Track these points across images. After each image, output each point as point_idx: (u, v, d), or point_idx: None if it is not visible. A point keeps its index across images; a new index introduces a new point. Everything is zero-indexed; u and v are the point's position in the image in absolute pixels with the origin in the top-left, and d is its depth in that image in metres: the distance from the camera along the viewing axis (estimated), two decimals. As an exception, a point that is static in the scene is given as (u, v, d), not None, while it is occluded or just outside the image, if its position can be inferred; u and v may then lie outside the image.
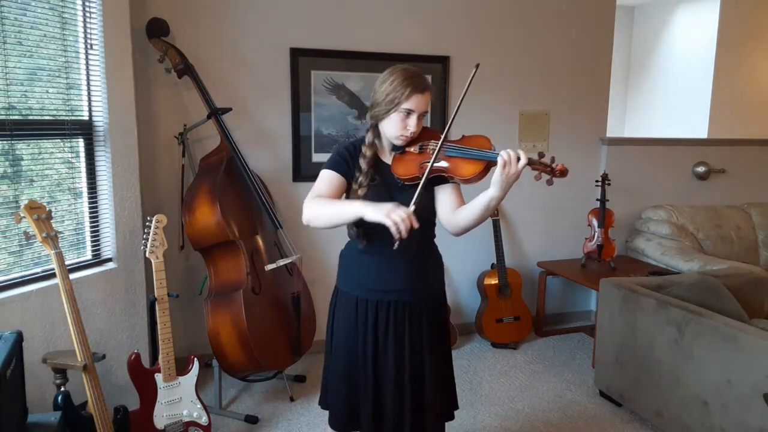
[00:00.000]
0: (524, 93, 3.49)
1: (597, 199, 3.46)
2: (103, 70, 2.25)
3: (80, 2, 2.18)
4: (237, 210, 2.52)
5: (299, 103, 3.04)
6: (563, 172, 1.43)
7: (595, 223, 3.43)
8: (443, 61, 3.27)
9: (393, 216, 1.35)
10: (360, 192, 1.58)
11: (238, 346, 2.42)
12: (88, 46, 2.23)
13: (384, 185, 1.60)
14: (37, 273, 2.08)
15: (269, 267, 2.53)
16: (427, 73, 3.27)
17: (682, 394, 2.24)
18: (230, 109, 2.72)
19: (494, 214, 3.42)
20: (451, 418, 1.77)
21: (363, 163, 1.60)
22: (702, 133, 4.29)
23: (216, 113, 2.63)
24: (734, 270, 2.92)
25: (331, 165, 1.62)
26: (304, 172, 3.09)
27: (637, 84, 4.89)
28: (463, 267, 3.51)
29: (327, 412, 1.76)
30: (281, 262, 2.57)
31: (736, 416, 2.02)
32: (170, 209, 2.76)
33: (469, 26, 3.31)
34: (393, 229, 1.36)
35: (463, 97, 1.51)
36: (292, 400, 2.69)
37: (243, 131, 2.88)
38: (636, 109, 4.92)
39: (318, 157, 3.11)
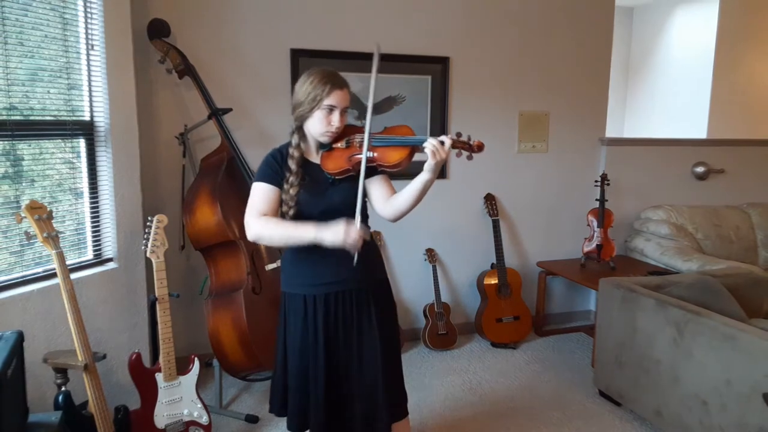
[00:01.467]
0: (523, 93, 3.49)
1: (596, 199, 3.46)
2: (104, 71, 2.25)
3: (81, 3, 2.19)
4: (238, 210, 2.52)
5: (299, 104, 3.04)
6: (480, 147, 1.56)
7: (594, 223, 3.43)
8: (443, 62, 3.28)
9: (349, 238, 1.49)
10: (292, 191, 1.64)
11: (238, 345, 2.43)
12: (90, 47, 2.23)
13: (315, 184, 1.66)
14: (38, 273, 2.08)
15: (270, 267, 2.53)
16: (427, 74, 3.28)
17: (681, 393, 2.24)
18: (231, 110, 2.72)
19: (494, 215, 3.42)
20: (403, 415, 1.81)
21: (292, 164, 1.66)
22: (701, 133, 4.30)
23: (216, 113, 2.63)
24: (733, 270, 2.93)
25: (261, 176, 1.68)
26: (304, 173, 3.09)
27: (636, 84, 4.90)
28: (463, 267, 3.51)
29: None
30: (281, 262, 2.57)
31: (735, 416, 2.02)
32: (171, 209, 2.76)
33: (469, 27, 3.32)
34: (352, 250, 1.50)
35: (374, 88, 1.59)
36: (292, 399, 2.69)
37: (243, 131, 2.89)
38: (635, 109, 4.93)
39: (318, 158, 3.11)
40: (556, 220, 3.68)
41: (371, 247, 1.78)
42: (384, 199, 1.68)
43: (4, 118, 1.96)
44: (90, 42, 2.23)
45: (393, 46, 3.17)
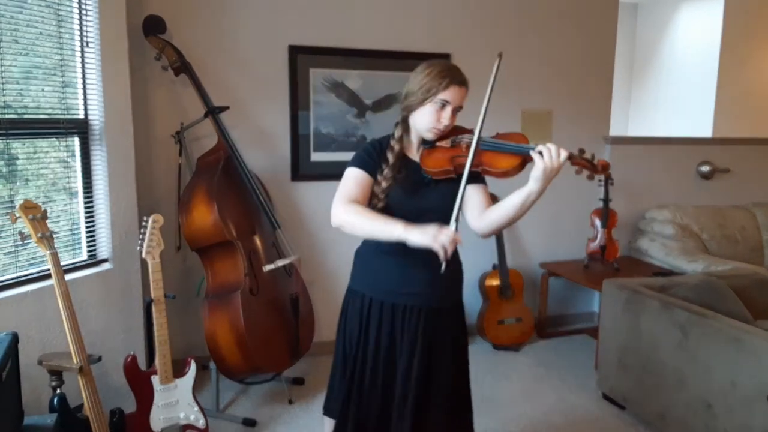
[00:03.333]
0: (526, 92, 3.46)
1: (600, 199, 3.43)
2: (99, 68, 2.23)
3: (76, 0, 2.16)
4: (235, 210, 2.50)
5: (298, 102, 3.01)
6: (605, 167, 1.42)
7: (598, 223, 3.40)
8: (444, 59, 3.24)
9: (441, 239, 1.31)
10: (384, 184, 1.52)
11: (235, 348, 2.40)
12: (84, 44, 2.21)
13: (410, 181, 1.55)
14: (33, 274, 2.06)
15: (267, 268, 2.50)
16: (428, 72, 3.24)
17: (686, 396, 2.21)
18: (228, 108, 2.69)
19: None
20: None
21: (390, 156, 1.55)
22: (706, 132, 4.26)
23: (213, 112, 2.60)
24: (739, 271, 2.90)
25: (358, 162, 1.55)
26: (302, 172, 3.06)
27: (640, 82, 4.85)
28: (464, 267, 3.46)
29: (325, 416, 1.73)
30: (279, 263, 2.54)
31: (741, 419, 1.99)
32: (167, 209, 2.74)
33: (470, 23, 3.28)
34: (441, 254, 1.32)
35: (491, 90, 1.49)
36: (290, 402, 2.66)
37: (241, 130, 2.86)
38: (639, 107, 4.89)
39: (317, 156, 3.08)
40: (559, 220, 3.65)
41: (456, 265, 1.67)
42: (479, 211, 1.55)
43: (-2, 116, 1.94)
44: (85, 39, 2.21)
45: (394, 43, 3.14)
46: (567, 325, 3.73)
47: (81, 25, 2.19)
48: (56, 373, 1.87)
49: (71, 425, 1.81)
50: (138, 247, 2.16)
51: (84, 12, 2.19)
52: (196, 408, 2.18)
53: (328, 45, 3.02)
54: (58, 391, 1.85)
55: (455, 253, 1.62)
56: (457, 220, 1.42)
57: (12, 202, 2.00)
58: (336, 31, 3.04)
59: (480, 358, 3.23)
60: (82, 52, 2.21)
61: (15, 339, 1.65)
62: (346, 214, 1.47)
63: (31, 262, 2.08)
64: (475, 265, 3.47)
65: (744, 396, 1.98)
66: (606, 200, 3.39)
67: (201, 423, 2.19)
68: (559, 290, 3.72)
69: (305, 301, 2.76)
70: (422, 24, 3.19)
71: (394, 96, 3.18)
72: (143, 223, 2.12)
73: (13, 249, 2.02)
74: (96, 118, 2.26)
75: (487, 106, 1.49)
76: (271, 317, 2.55)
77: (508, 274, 3.35)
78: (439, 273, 1.37)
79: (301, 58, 2.98)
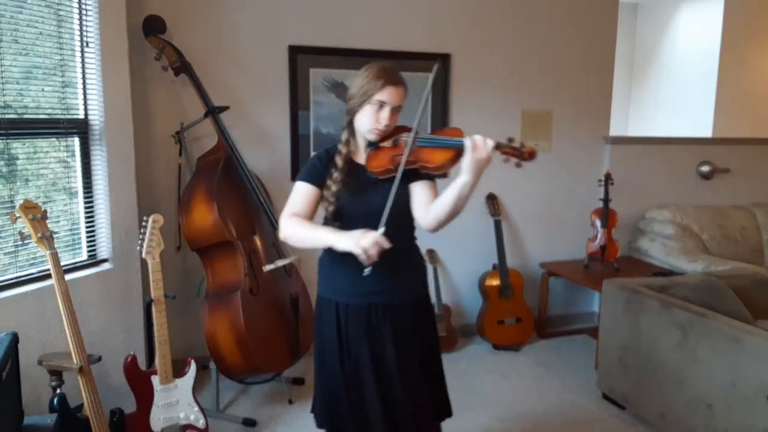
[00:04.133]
0: (526, 92, 3.46)
1: (600, 199, 3.43)
2: (99, 68, 2.23)
3: (76, 0, 2.16)
4: (235, 210, 2.50)
5: (298, 102, 3.01)
6: (531, 154, 1.44)
7: (598, 223, 3.39)
8: (444, 59, 3.24)
9: (362, 243, 1.38)
10: (333, 188, 1.58)
11: (235, 348, 2.40)
12: (84, 44, 2.21)
13: (358, 183, 1.60)
14: (33, 274, 2.07)
15: (267, 268, 2.50)
16: (428, 71, 3.22)
17: (686, 396, 2.21)
18: (228, 108, 2.69)
19: (496, 214, 3.39)
20: (442, 418, 1.75)
21: (338, 160, 1.61)
22: (706, 132, 4.25)
23: (213, 112, 2.60)
24: (739, 271, 2.90)
25: (303, 176, 1.63)
26: (303, 172, 3.07)
27: (640, 82, 4.85)
28: (464, 268, 3.48)
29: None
30: (279, 263, 2.54)
31: (741, 419, 1.99)
32: (167, 209, 2.74)
33: (470, 24, 3.28)
34: (363, 257, 1.39)
35: (428, 95, 1.54)
36: (290, 402, 2.66)
37: (241, 130, 2.86)
38: (639, 107, 4.88)
39: (317, 157, 3.08)
40: (558, 220, 3.64)
41: (414, 260, 1.71)
42: (425, 206, 1.57)
43: (-2, 116, 1.94)
44: (85, 39, 2.21)
45: (393, 43, 3.14)
46: (567, 325, 3.73)
47: (81, 25, 2.19)
48: (56, 373, 1.87)
49: (71, 425, 1.82)
50: (138, 247, 2.16)
51: (84, 12, 2.19)
52: (196, 408, 2.18)
53: (328, 45, 3.02)
54: (58, 391, 1.85)
55: (413, 248, 1.70)
56: (401, 219, 1.48)
57: (12, 202, 2.01)
58: (336, 31, 3.04)
59: (480, 358, 3.23)
60: (82, 52, 2.21)
61: (15, 339, 1.65)
62: (288, 228, 1.57)
63: (31, 262, 2.08)
64: (475, 265, 3.47)
65: (744, 396, 1.98)
66: (606, 200, 3.39)
67: (201, 423, 2.19)
68: (559, 290, 3.72)
69: (305, 301, 2.76)
70: (422, 24, 3.19)
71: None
72: (143, 223, 2.12)
73: (13, 249, 2.02)
74: (96, 118, 2.26)
75: (423, 108, 1.54)
76: (271, 317, 2.55)
77: (508, 274, 3.34)
78: (399, 269, 1.49)
79: (301, 58, 2.98)
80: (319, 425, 1.74)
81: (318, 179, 1.61)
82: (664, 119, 4.63)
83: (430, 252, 3.33)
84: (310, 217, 1.60)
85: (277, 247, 2.71)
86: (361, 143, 1.64)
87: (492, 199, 3.42)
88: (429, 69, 3.38)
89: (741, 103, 4.30)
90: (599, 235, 3.38)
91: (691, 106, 4.40)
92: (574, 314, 3.80)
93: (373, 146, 1.60)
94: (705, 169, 3.89)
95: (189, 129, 2.76)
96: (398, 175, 1.49)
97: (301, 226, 1.55)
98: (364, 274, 1.42)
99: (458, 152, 1.48)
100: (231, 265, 2.47)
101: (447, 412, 1.77)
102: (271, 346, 2.52)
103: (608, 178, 3.42)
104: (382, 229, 1.43)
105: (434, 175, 1.60)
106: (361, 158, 1.64)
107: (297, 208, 1.59)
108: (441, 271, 3.40)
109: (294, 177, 3.07)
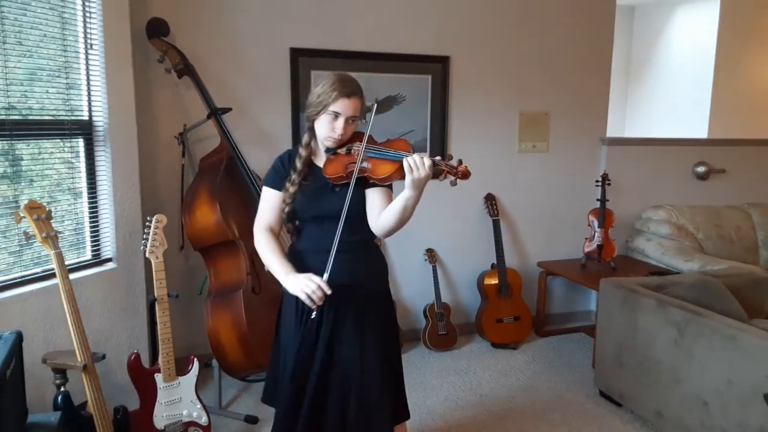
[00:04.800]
0: (524, 93, 3.49)
1: (597, 199, 3.46)
2: (103, 70, 2.25)
3: (80, 2, 2.18)
4: (237, 210, 2.52)
5: (299, 103, 3.03)
6: (465, 174, 1.47)
7: (595, 223, 3.42)
8: (443, 61, 3.27)
9: (305, 290, 1.49)
10: (291, 189, 1.65)
11: (238, 346, 2.42)
12: (88, 46, 2.22)
13: (315, 187, 1.67)
14: (37, 273, 2.07)
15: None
16: (427, 73, 3.27)
17: (682, 394, 2.23)
18: (230, 109, 2.71)
19: (494, 215, 3.41)
20: (398, 421, 1.77)
21: (298, 162, 1.67)
22: (702, 133, 4.29)
23: (216, 113, 2.63)
24: (734, 270, 2.92)
25: (267, 181, 1.72)
26: (304, 172, 3.09)
27: (637, 84, 4.89)
28: (463, 267, 3.50)
29: None
30: (281, 262, 2.56)
31: (737, 416, 2.02)
32: (170, 209, 2.75)
33: (469, 26, 3.31)
34: (307, 302, 1.50)
35: (369, 126, 1.62)
36: (292, 400, 2.68)
37: (243, 131, 2.88)
38: (636, 109, 4.92)
39: (318, 157, 3.10)
40: (556, 220, 3.67)
41: (376, 256, 1.79)
42: (377, 213, 1.63)
43: (3, 117, 1.96)
44: (89, 41, 2.22)
45: (393, 46, 3.16)
46: (564, 323, 3.76)
47: (85, 27, 2.21)
48: (60, 371, 1.88)
49: (75, 423, 1.83)
50: (142, 247, 2.18)
51: (88, 14, 2.21)
52: (199, 405, 2.20)
53: (329, 47, 3.05)
54: (62, 389, 1.86)
55: (370, 246, 1.75)
56: (356, 224, 1.59)
57: (17, 202, 2.02)
58: (336, 33, 3.06)
59: (479, 356, 3.26)
60: (86, 54, 2.22)
61: (19, 338, 1.65)
62: (256, 243, 1.70)
63: (36, 261, 2.10)
64: (474, 264, 3.50)
65: (739, 394, 2.00)
66: (603, 200, 3.42)
67: (204, 420, 2.21)
68: (557, 289, 3.75)
69: (306, 300, 2.78)
70: (422, 27, 3.21)
71: (394, 98, 3.21)
72: (147, 223, 2.14)
73: (17, 248, 2.04)
74: (100, 119, 2.28)
75: (372, 119, 1.62)
76: (272, 316, 2.54)
77: (506, 273, 3.37)
78: (355, 264, 1.61)
79: (303, 60, 3.01)
80: (265, 400, 1.84)
81: (279, 182, 1.69)
82: (661, 120, 4.67)
83: (430, 251, 3.36)
84: (279, 222, 1.70)
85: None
86: (321, 147, 1.70)
87: (491, 200, 3.45)
88: (428, 71, 3.43)
89: (736, 105, 4.34)
90: (596, 235, 3.41)
91: (687, 108, 4.43)
92: (572, 313, 3.83)
93: (330, 152, 1.67)
94: (701, 169, 3.92)
95: (192, 130, 2.77)
96: (351, 184, 1.57)
97: (264, 248, 1.66)
98: (312, 316, 1.56)
99: (402, 166, 1.52)
100: (233, 264, 2.49)
101: (405, 414, 1.80)
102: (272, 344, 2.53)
103: (605, 178, 3.46)
104: (326, 276, 1.52)
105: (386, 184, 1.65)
106: (321, 161, 1.70)
107: (265, 217, 1.70)
108: (440, 271, 3.43)
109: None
